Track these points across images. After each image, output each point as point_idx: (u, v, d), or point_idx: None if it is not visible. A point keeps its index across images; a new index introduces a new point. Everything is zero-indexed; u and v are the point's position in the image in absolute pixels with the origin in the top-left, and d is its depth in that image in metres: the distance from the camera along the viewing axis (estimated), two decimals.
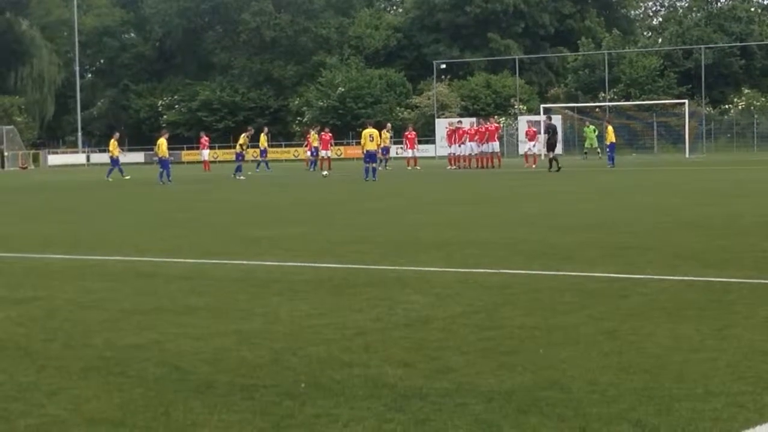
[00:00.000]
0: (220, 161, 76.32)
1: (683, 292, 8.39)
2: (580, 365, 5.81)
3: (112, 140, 43.42)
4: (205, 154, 54.99)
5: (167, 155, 37.82)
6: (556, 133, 38.97)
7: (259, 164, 49.36)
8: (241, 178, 38.51)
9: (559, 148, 64.43)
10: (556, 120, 67.71)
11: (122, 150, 41.35)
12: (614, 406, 4.96)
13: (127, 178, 40.43)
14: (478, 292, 8.64)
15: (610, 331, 6.75)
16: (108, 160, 45.02)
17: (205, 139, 55.33)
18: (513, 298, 8.26)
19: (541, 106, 71.44)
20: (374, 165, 34.57)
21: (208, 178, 41.99)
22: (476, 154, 45.20)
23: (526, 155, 47.91)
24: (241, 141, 42.39)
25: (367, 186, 30.88)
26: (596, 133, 55.50)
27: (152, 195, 29.39)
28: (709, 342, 6.38)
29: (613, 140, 42.77)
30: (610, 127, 43.21)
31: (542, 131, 44.70)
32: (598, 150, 54.35)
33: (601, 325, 6.97)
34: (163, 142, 38.08)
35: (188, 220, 18.37)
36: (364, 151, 34.81)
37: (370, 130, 35.21)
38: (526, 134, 49.39)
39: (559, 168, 36.42)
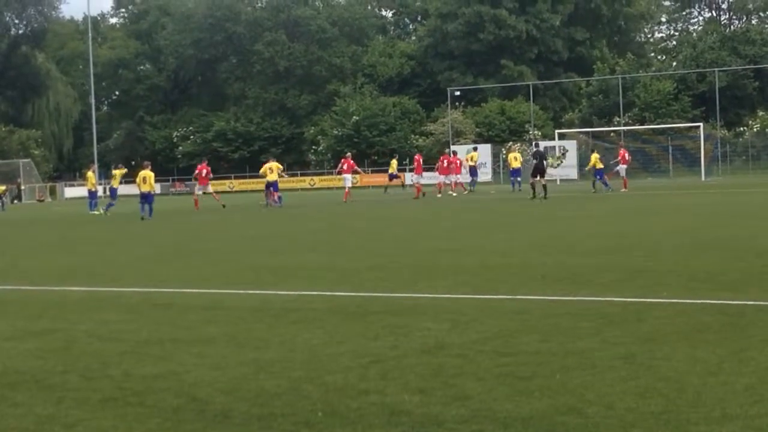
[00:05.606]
0: (236, 191, 76.56)
1: (700, 315, 8.35)
2: (597, 390, 5.80)
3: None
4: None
5: (153, 189, 35.69)
6: (544, 159, 38.43)
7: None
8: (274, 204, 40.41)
9: (573, 173, 64.73)
10: (571, 145, 67.90)
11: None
12: (632, 430, 4.95)
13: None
14: (494, 317, 8.64)
15: (626, 356, 6.74)
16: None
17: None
18: (529, 323, 8.25)
19: (556, 131, 71.60)
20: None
21: (229, 208, 42.02)
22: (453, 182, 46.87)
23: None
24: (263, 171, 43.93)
25: (374, 213, 30.91)
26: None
27: (167, 225, 29.47)
28: (726, 365, 6.36)
29: (599, 166, 43.56)
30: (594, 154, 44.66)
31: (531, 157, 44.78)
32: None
33: (618, 350, 6.96)
34: (151, 174, 35.50)
35: (203, 251, 18.41)
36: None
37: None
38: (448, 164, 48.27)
39: (545, 196, 35.01)
